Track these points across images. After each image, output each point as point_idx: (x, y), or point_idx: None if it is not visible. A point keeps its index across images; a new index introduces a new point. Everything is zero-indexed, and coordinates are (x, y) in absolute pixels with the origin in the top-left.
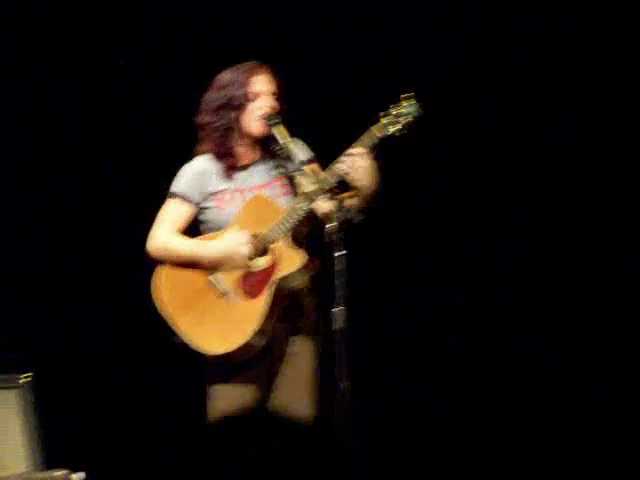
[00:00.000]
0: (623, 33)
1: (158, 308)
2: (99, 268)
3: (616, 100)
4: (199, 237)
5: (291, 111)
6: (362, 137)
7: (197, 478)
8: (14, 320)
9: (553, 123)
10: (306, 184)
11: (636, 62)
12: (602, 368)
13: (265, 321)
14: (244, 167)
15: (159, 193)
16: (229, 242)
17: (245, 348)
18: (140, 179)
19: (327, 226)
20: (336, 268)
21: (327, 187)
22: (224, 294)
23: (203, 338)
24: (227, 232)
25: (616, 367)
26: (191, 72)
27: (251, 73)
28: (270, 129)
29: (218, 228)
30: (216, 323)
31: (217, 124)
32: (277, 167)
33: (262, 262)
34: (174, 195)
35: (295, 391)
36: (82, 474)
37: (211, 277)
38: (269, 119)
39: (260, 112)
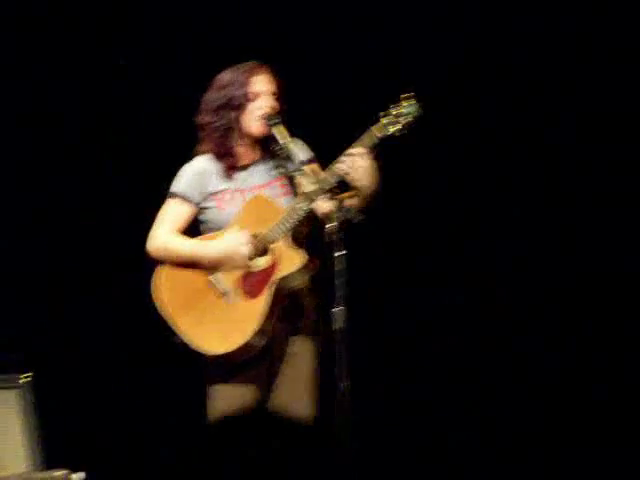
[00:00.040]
0: (623, 33)
1: (158, 308)
2: (99, 268)
3: (616, 100)
4: (199, 237)
5: (291, 111)
6: (362, 137)
7: (197, 478)
8: (14, 320)
9: (553, 123)
10: (306, 184)
11: (636, 62)
12: (602, 368)
13: (265, 321)
14: (244, 167)
15: (159, 193)
16: (229, 242)
17: (245, 348)
18: (140, 179)
19: (327, 226)
20: (336, 268)
21: (327, 187)
22: (224, 294)
23: (203, 338)
24: (227, 232)
25: (616, 367)
26: (191, 72)
27: (251, 73)
28: (270, 129)
29: (218, 228)
30: (216, 323)
31: (217, 124)
32: (277, 167)
33: (262, 262)
34: (174, 195)
35: (295, 391)
36: (82, 474)
37: (211, 277)
38: (269, 119)
39: (260, 112)
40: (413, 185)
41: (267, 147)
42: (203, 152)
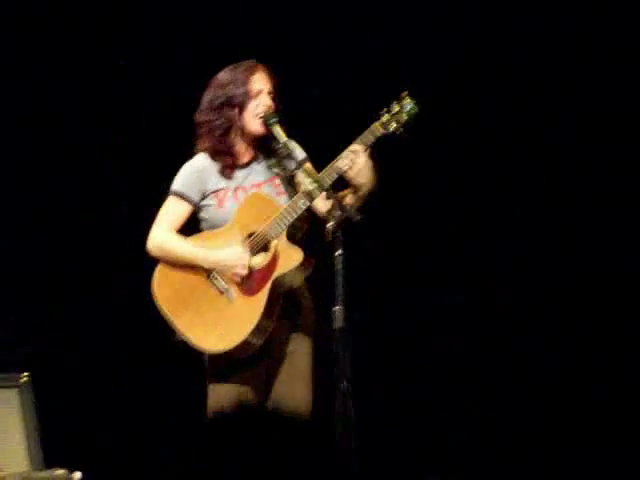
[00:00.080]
0: (623, 33)
1: (157, 306)
2: (99, 268)
3: (616, 100)
4: (199, 235)
5: (291, 111)
6: (362, 135)
7: (197, 478)
8: (14, 320)
9: (553, 123)
10: (306, 182)
11: (636, 62)
12: (602, 368)
13: (264, 319)
14: (243, 165)
15: (159, 193)
16: (228, 257)
17: (244, 346)
18: (140, 179)
19: (326, 225)
20: (336, 267)
21: (326, 184)
22: (223, 292)
23: (202, 336)
24: (229, 247)
25: (616, 367)
26: (191, 72)
27: (251, 71)
28: (269, 128)
29: (218, 226)
30: (215, 321)
31: (217, 122)
32: (276, 165)
33: (261, 260)
34: (174, 193)
35: (294, 389)
36: (79, 474)
37: (210, 275)
38: (268, 118)
39: (260, 110)
40: (413, 185)
41: (265, 145)
42: (203, 150)
